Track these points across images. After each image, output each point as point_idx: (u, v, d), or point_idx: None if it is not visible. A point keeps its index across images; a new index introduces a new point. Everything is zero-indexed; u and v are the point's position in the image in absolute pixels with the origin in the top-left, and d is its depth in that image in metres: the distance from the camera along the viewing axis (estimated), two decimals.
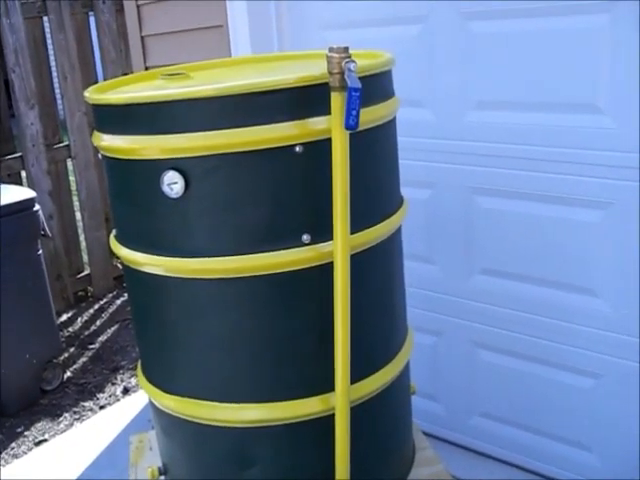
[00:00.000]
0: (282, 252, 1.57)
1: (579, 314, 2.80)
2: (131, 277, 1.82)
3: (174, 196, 1.57)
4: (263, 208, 1.56)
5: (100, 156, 1.79)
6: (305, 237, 1.57)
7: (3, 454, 3.76)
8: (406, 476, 2.00)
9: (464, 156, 2.92)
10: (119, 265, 5.17)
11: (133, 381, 4.35)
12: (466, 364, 3.20)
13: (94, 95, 1.71)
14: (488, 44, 2.74)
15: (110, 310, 5.36)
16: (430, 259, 3.16)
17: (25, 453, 3.76)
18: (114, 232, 1.83)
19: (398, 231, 1.85)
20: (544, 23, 2.62)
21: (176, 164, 1.55)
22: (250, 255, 1.57)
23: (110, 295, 5.57)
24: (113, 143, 1.66)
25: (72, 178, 5.43)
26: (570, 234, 2.74)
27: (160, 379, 1.82)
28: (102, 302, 5.50)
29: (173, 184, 1.56)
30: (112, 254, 5.36)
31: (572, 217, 2.72)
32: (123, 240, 1.77)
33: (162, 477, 2.05)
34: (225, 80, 1.79)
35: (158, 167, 1.56)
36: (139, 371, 1.96)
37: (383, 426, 1.87)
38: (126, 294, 5.24)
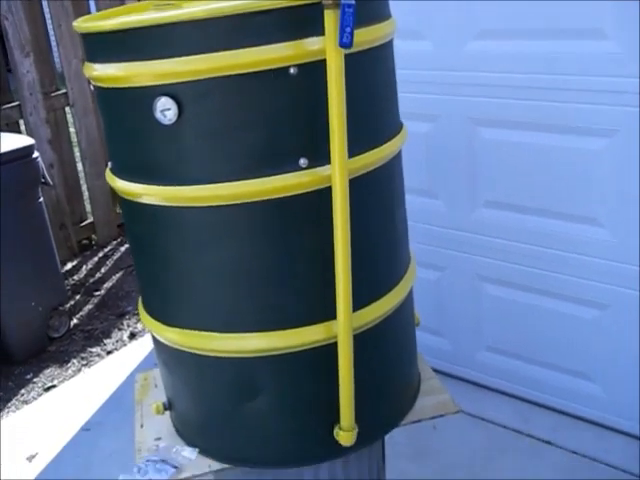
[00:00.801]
0: (279, 177, 1.54)
1: (584, 244, 2.78)
2: (128, 209, 1.79)
3: (167, 123, 1.54)
4: (258, 132, 1.53)
5: (92, 87, 1.75)
6: (302, 161, 1.54)
7: (13, 400, 3.79)
8: (411, 405, 2.00)
9: (465, 87, 2.88)
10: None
11: (139, 326, 4.36)
12: (471, 298, 3.20)
13: (83, 24, 1.67)
14: None
15: (114, 257, 5.37)
16: (433, 193, 3.13)
17: (35, 399, 3.79)
18: (109, 165, 1.80)
19: (398, 157, 1.82)
20: None
21: (169, 90, 1.51)
22: (246, 180, 1.54)
23: (114, 243, 5.57)
24: (105, 72, 1.62)
25: (73, 130, 5.39)
26: (574, 163, 2.71)
27: (161, 312, 1.81)
28: (106, 250, 5.49)
29: (166, 110, 1.53)
30: (113, 195, 5.35)
31: (576, 146, 2.69)
32: (118, 172, 1.74)
33: (167, 412, 2.05)
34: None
35: (150, 94, 1.53)
36: (140, 306, 1.95)
37: (387, 354, 1.86)
38: None
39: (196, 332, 1.72)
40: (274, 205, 1.57)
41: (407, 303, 1.90)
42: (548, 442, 3.00)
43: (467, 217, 3.06)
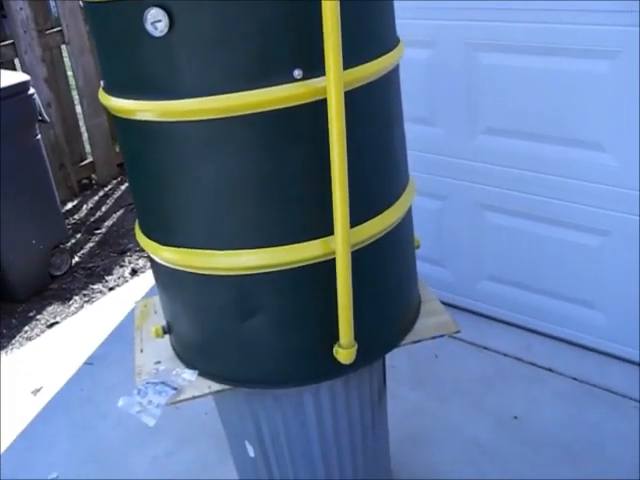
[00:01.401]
0: (273, 88, 1.50)
1: (587, 170, 2.75)
2: (122, 128, 1.76)
3: (158, 35, 1.50)
4: (251, 43, 1.49)
5: (81, 3, 1.71)
6: (296, 72, 1.51)
7: (17, 337, 3.81)
8: (412, 325, 1.99)
9: (464, 11, 2.82)
10: None
11: (141, 262, 4.36)
12: (472, 227, 3.18)
13: None
14: None
15: (115, 196, 5.35)
16: (432, 121, 3.09)
17: (38, 335, 3.82)
18: (102, 84, 1.77)
19: (395, 72, 1.78)
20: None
21: (159, 1, 1.47)
22: (240, 92, 1.50)
23: (114, 182, 5.55)
24: None
25: (70, 74, 5.33)
26: (576, 87, 2.66)
27: (158, 232, 1.79)
28: (106, 189, 5.48)
29: (157, 22, 1.49)
30: (112, 134, 5.31)
31: (578, 69, 2.64)
32: (111, 90, 1.71)
33: (166, 336, 2.05)
34: None
35: (141, 5, 1.49)
36: (137, 228, 1.93)
37: (386, 272, 1.84)
38: None
39: (193, 250, 1.70)
40: (269, 118, 1.54)
41: (406, 222, 1.88)
42: (549, 369, 3.02)
43: (467, 144, 3.02)
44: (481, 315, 3.35)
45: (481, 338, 3.23)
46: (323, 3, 1.43)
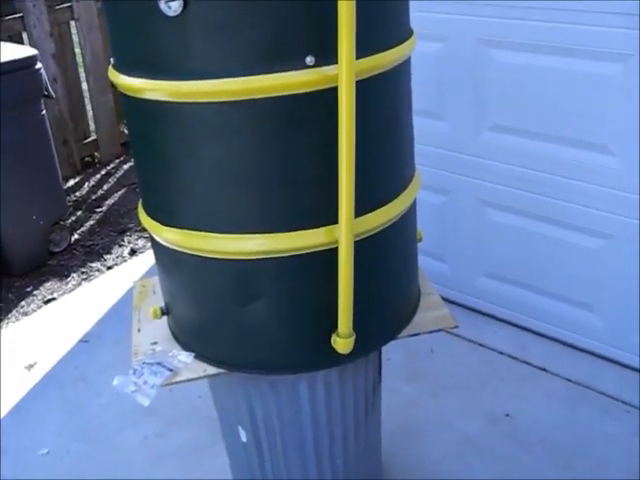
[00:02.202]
0: (284, 74, 1.50)
1: (592, 172, 2.74)
2: (130, 107, 1.76)
3: (172, 14, 1.49)
4: (265, 27, 1.48)
5: None
6: (309, 59, 1.50)
7: (13, 312, 3.81)
8: (410, 318, 1.99)
9: (476, 7, 2.81)
10: (126, 131, 5.09)
11: (140, 242, 4.36)
12: (474, 224, 3.18)
13: None
14: None
15: (117, 175, 5.34)
16: (439, 115, 3.08)
17: (34, 311, 3.82)
18: (112, 61, 1.76)
19: (406, 63, 1.77)
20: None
21: None
22: (251, 77, 1.50)
23: (117, 161, 5.53)
24: None
25: (78, 51, 5.31)
26: (586, 88, 2.65)
27: (161, 212, 1.79)
28: (109, 168, 5.46)
29: (171, 1, 1.47)
30: (117, 113, 5.30)
31: (588, 70, 2.63)
32: (122, 68, 1.70)
33: (164, 317, 2.04)
34: None
35: None
36: (140, 208, 1.92)
37: (388, 264, 1.84)
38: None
39: (196, 232, 1.70)
40: (279, 103, 1.53)
41: (410, 214, 1.88)
42: (543, 369, 3.02)
43: (473, 140, 3.02)
44: (479, 312, 3.35)
45: (478, 335, 3.23)
46: None
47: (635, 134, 2.57)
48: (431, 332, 1.98)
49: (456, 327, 2.00)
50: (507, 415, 2.81)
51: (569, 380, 2.95)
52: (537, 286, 3.11)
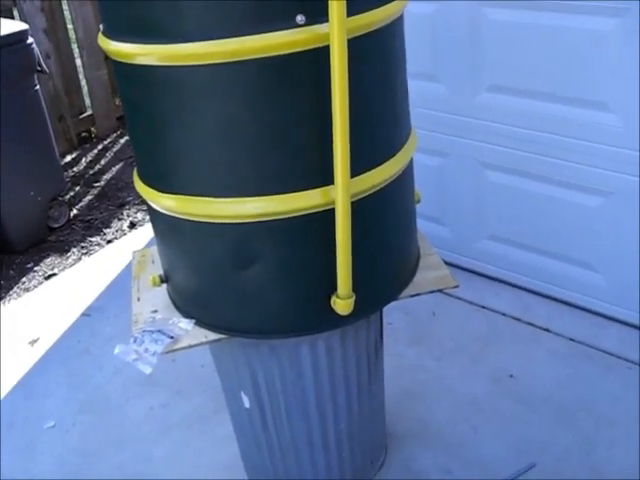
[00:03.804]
0: (275, 34, 1.48)
1: (590, 130, 2.72)
2: (122, 74, 1.74)
3: None
4: None
5: None
6: (299, 18, 1.48)
7: (15, 288, 3.81)
8: (411, 278, 1.98)
9: None
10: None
11: (140, 215, 4.35)
12: (473, 185, 3.16)
13: None
14: None
15: (114, 149, 5.32)
16: (435, 77, 3.05)
17: (36, 287, 3.82)
18: (101, 27, 1.74)
19: (399, 21, 1.74)
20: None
21: None
22: (242, 37, 1.48)
23: (114, 135, 5.51)
24: None
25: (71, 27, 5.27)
26: (582, 45, 2.62)
27: (157, 180, 1.77)
28: (106, 142, 5.44)
29: None
30: (112, 87, 5.27)
31: (584, 26, 2.60)
32: (111, 33, 1.68)
33: (164, 285, 2.04)
34: None
35: None
36: (135, 177, 1.91)
37: (386, 224, 1.83)
38: None
39: (192, 197, 1.68)
40: (271, 64, 1.51)
41: (407, 173, 1.87)
42: (546, 329, 3.02)
43: (470, 102, 2.99)
44: (480, 274, 3.35)
45: (479, 297, 3.23)
46: None
47: (634, 90, 2.55)
48: (431, 292, 1.98)
49: (456, 287, 1.99)
50: (511, 376, 2.81)
51: (572, 340, 2.95)
52: (538, 247, 3.10)
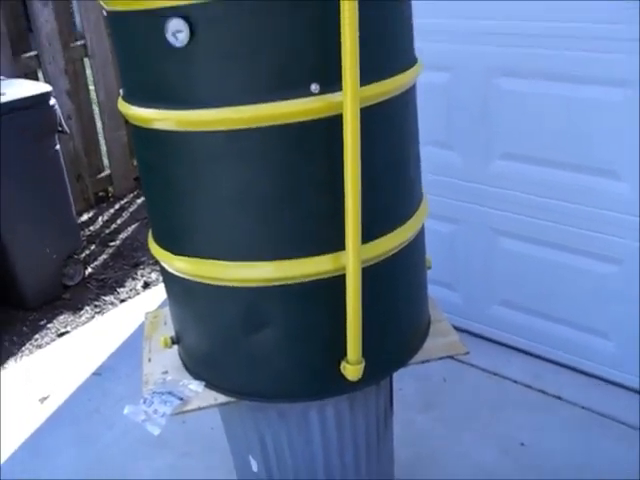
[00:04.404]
0: (290, 102, 1.52)
1: (602, 198, 2.75)
2: (140, 138, 1.78)
3: (179, 45, 1.51)
4: (270, 56, 1.51)
5: (104, 13, 1.73)
6: (314, 87, 1.52)
7: (27, 345, 3.83)
8: (421, 344, 1.99)
9: (483, 36, 2.84)
10: None
11: (153, 276, 4.38)
12: (485, 252, 3.18)
13: None
14: None
15: (130, 209, 5.38)
16: (449, 144, 3.10)
17: (48, 344, 3.83)
18: (121, 92, 1.79)
19: (411, 90, 1.79)
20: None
21: (181, 11, 1.49)
22: (257, 105, 1.52)
23: (131, 195, 5.58)
24: None
25: (92, 88, 5.38)
26: (592, 114, 2.67)
27: (171, 241, 1.80)
28: (122, 202, 5.51)
29: (178, 32, 1.50)
30: (130, 148, 5.35)
31: (594, 96, 2.65)
32: (130, 98, 1.73)
33: (175, 347, 2.05)
34: None
35: (162, 16, 1.51)
36: (150, 238, 1.94)
37: (396, 290, 1.84)
38: None
39: (205, 260, 1.71)
40: (285, 131, 1.55)
41: (418, 240, 1.89)
42: (558, 397, 3.00)
43: (483, 169, 3.03)
44: (491, 340, 3.34)
45: (491, 364, 3.21)
46: (342, 20, 1.45)
47: None
48: (441, 358, 1.98)
49: (467, 353, 1.99)
50: (522, 444, 2.78)
51: (584, 408, 2.92)
52: (549, 313, 3.10)
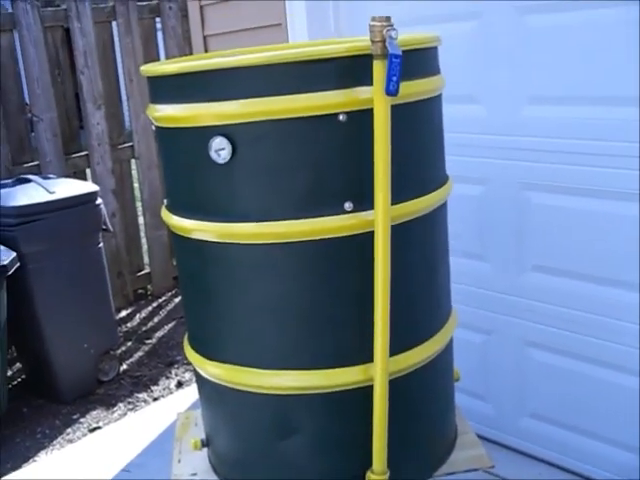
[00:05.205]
0: (325, 219, 1.60)
1: (630, 311, 2.76)
2: (180, 246, 1.87)
3: (221, 162, 1.61)
4: (307, 175, 1.60)
5: (153, 127, 1.85)
6: (347, 205, 1.60)
7: (59, 439, 3.85)
8: (446, 457, 2.00)
9: (515, 152, 2.92)
10: None
11: (187, 375, 4.41)
12: (516, 363, 3.18)
13: (150, 67, 1.78)
14: None
15: (168, 308, 5.46)
16: (481, 256, 3.15)
17: (79, 439, 3.85)
18: (165, 202, 1.89)
19: (442, 208, 1.86)
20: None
21: (224, 130, 1.59)
22: (293, 221, 1.60)
23: (169, 294, 5.67)
24: (166, 112, 1.72)
25: (137, 185, 5.57)
26: (623, 230, 2.71)
27: (206, 347, 1.86)
28: (160, 300, 5.60)
29: (220, 150, 1.60)
30: (170, 247, 5.46)
31: (625, 213, 2.69)
32: (173, 208, 1.82)
33: (204, 449, 2.08)
34: None
35: (207, 134, 1.61)
36: (185, 341, 2.00)
37: (424, 403, 1.87)
38: None
39: (238, 367, 1.76)
40: (319, 246, 1.63)
41: (446, 353, 1.92)
42: None
43: (515, 281, 3.06)
44: (522, 453, 3.30)
45: (521, 477, 3.17)
46: (376, 142, 1.54)
47: None
48: (467, 471, 1.98)
49: (492, 467, 2.00)
50: None
51: None
52: (583, 428, 3.07)
